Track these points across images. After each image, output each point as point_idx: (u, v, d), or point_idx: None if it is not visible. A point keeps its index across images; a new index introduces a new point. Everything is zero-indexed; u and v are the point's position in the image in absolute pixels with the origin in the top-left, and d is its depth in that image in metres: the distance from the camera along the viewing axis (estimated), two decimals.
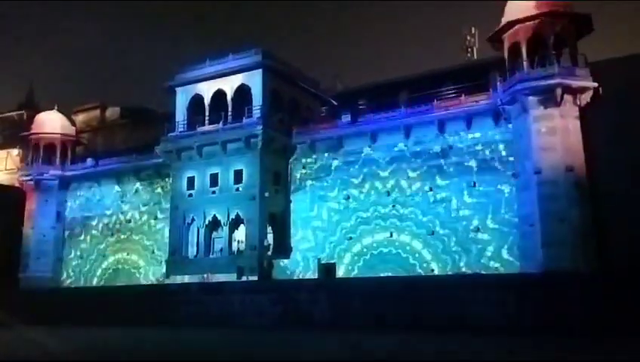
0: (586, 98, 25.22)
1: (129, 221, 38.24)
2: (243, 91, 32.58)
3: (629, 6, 62.45)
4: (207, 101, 33.70)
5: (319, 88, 37.04)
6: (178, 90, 34.96)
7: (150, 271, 36.40)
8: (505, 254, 26.44)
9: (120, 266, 37.94)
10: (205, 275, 30.62)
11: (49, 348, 18.10)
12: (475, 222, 27.43)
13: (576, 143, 24.84)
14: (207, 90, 33.82)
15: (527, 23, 26.16)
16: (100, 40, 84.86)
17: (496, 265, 26.52)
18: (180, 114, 34.58)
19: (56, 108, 42.05)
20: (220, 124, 32.83)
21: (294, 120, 33.42)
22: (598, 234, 23.53)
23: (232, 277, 29.46)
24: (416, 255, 28.53)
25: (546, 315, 19.24)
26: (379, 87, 34.81)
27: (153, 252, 36.60)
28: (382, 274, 28.46)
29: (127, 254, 37.81)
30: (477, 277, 24.63)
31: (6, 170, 49.96)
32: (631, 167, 23.56)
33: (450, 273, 27.09)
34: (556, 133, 25.01)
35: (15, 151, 49.82)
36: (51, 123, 41.17)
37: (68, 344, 19.34)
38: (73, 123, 44.52)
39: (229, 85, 33.03)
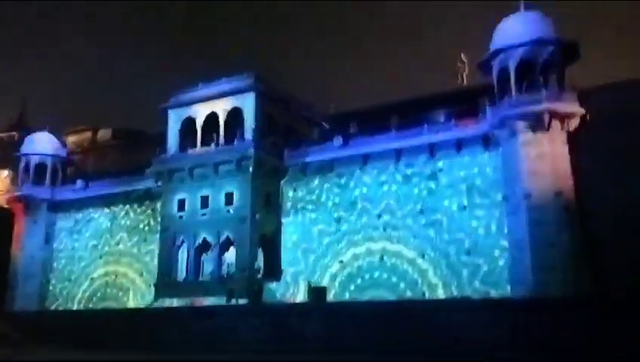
0: (573, 123, 25.57)
1: (118, 243, 37.93)
2: (236, 114, 32.79)
3: (615, 33, 63.73)
4: (199, 123, 33.83)
5: (312, 111, 37.32)
6: (171, 112, 35.09)
7: (139, 294, 36.00)
8: (495, 277, 26.43)
9: (108, 289, 37.48)
10: (193, 299, 30.35)
11: None
12: (466, 245, 27.49)
13: (565, 168, 25.11)
14: (200, 112, 33.98)
15: (515, 50, 26.61)
16: (94, 62, 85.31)
17: (487, 288, 26.47)
18: (173, 136, 34.66)
19: (47, 129, 41.98)
20: (212, 146, 32.94)
21: (287, 142, 33.54)
22: (592, 258, 23.62)
23: (221, 300, 29.20)
24: (408, 278, 28.47)
25: (539, 339, 19.19)
26: (371, 111, 35.07)
27: (142, 274, 36.24)
28: (373, 298, 28.36)
29: (116, 277, 37.40)
30: (468, 300, 24.57)
31: None
32: (620, 190, 23.82)
33: (441, 296, 27.04)
34: (545, 157, 25.29)
35: (5, 173, 49.60)
36: (42, 144, 41.01)
37: None
38: (65, 144, 44.50)
39: (222, 108, 33.22)
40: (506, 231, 26.47)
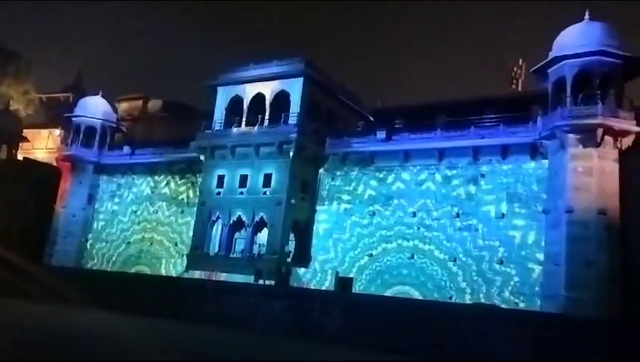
0: (627, 142, 24.60)
1: (156, 212, 38.82)
2: (282, 97, 32.92)
3: None
4: (246, 103, 34.14)
5: (358, 103, 37.14)
6: (220, 89, 35.53)
7: (171, 264, 36.85)
8: (526, 290, 25.87)
9: (142, 255, 38.50)
10: (213, 273, 30.98)
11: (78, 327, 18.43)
12: (500, 254, 26.95)
13: (612, 186, 24.19)
14: (247, 92, 34.28)
15: (575, 60, 25.70)
16: (151, 34, 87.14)
17: (517, 300, 25.94)
18: (219, 113, 35.12)
19: (100, 93, 43.13)
20: (256, 127, 33.21)
21: (329, 131, 33.53)
22: (625, 282, 22.84)
23: (249, 278, 29.57)
24: (436, 280, 28.17)
25: (565, 358, 18.67)
26: (418, 108, 34.65)
27: (176, 244, 37.03)
28: (399, 295, 28.20)
29: (151, 244, 38.35)
30: (495, 310, 24.11)
31: (47, 148, 51.52)
32: None
33: (468, 302, 26.65)
34: (592, 173, 24.42)
35: (57, 131, 51.32)
36: (94, 107, 42.19)
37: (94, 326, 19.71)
38: (116, 110, 45.78)
39: (270, 90, 33.42)
40: (543, 244, 25.84)
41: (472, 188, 28.45)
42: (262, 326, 24.42)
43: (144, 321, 23.95)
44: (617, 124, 24.45)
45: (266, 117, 33.14)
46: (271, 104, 33.19)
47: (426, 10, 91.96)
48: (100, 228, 41.16)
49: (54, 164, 43.65)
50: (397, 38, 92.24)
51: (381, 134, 31.46)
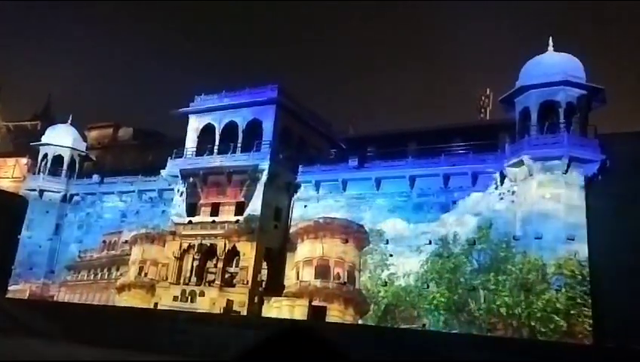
0: (592, 169, 25.25)
1: (126, 241, 38.09)
2: (254, 125, 32.94)
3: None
4: (218, 131, 34.04)
5: (330, 130, 37.40)
6: (192, 117, 35.38)
7: (140, 294, 35.96)
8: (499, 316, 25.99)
9: (111, 286, 37.52)
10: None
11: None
12: (471, 281, 27.11)
13: (580, 213, 24.71)
14: (219, 120, 34.23)
15: (540, 90, 26.48)
16: (122, 62, 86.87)
17: (489, 327, 26.02)
18: (191, 140, 34.92)
19: (69, 121, 42.56)
20: (228, 155, 33.07)
21: (301, 158, 33.59)
22: (593, 306, 23.17)
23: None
24: (410, 307, 28.11)
25: None
26: (389, 136, 35.11)
27: (146, 275, 36.25)
28: (374, 323, 28.02)
29: (120, 274, 37.50)
30: (467, 336, 24.16)
31: (13, 177, 50.38)
32: (632, 242, 23.40)
33: (442, 330, 26.61)
34: (560, 200, 24.97)
35: (24, 160, 50.31)
36: (63, 135, 41.57)
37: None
38: (85, 138, 45.17)
39: (242, 117, 33.43)
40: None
41: (444, 215, 28.71)
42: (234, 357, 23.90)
43: (113, 353, 23.22)
44: (582, 151, 25.11)
45: (239, 144, 33.05)
46: (243, 131, 33.15)
47: (398, 41, 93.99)
48: (67, 258, 40.11)
49: (20, 193, 42.64)
50: (369, 67, 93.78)
51: (353, 161, 31.66)
